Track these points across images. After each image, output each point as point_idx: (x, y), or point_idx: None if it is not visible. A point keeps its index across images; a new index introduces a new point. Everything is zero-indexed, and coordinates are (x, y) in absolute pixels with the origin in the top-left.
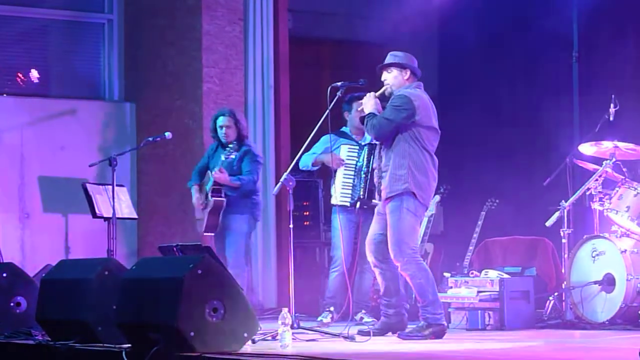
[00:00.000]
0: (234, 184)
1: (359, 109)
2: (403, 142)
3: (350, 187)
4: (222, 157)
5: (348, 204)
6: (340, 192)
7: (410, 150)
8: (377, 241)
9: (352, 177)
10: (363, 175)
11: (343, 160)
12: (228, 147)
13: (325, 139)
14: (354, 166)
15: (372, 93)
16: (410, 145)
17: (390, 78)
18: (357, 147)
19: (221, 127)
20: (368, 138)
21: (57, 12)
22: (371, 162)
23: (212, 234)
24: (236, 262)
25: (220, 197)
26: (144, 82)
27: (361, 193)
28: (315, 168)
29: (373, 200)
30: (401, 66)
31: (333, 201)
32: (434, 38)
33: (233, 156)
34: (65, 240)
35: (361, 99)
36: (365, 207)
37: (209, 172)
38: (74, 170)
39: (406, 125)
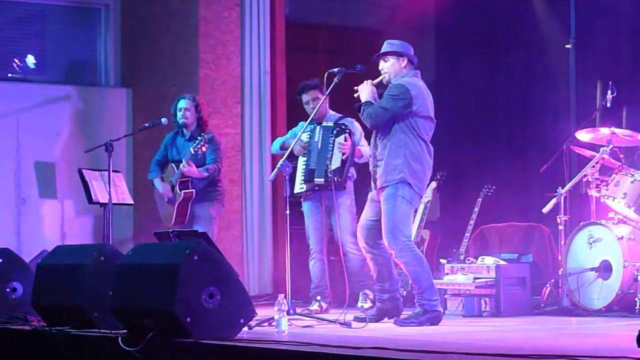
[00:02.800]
0: (202, 175)
1: (308, 99)
2: (400, 132)
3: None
4: (192, 151)
5: (304, 190)
6: (300, 179)
7: (407, 139)
8: (368, 227)
9: (306, 161)
10: (313, 155)
11: (304, 148)
12: (197, 139)
13: (299, 125)
14: (308, 150)
15: (369, 81)
16: (406, 135)
17: (387, 66)
18: (311, 129)
19: (180, 109)
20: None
21: None
22: (327, 142)
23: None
24: None
25: (189, 189)
26: (140, 68)
27: (315, 174)
28: (283, 152)
29: (315, 180)
30: (398, 54)
31: (295, 191)
32: (431, 24)
33: (204, 149)
34: (61, 225)
35: (304, 91)
36: (316, 188)
37: (172, 165)
38: (70, 155)
39: (403, 115)
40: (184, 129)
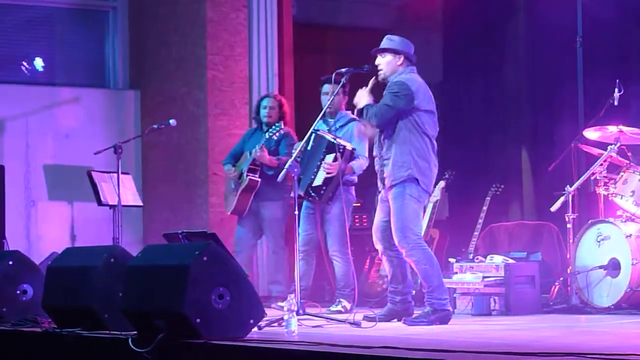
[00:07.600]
0: (273, 163)
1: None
2: (404, 129)
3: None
4: (266, 135)
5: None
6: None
7: (412, 137)
8: (383, 228)
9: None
10: (304, 164)
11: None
12: (272, 128)
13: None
14: (303, 156)
15: (364, 89)
16: (411, 132)
17: (384, 63)
18: (310, 133)
19: (265, 107)
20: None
21: (62, 0)
22: (317, 157)
23: (237, 216)
24: (275, 247)
25: (256, 177)
26: (148, 70)
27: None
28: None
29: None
30: (395, 52)
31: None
32: (439, 23)
33: (276, 136)
34: (71, 228)
35: (328, 82)
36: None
37: (246, 153)
38: (79, 158)
39: (406, 112)
40: (264, 126)
